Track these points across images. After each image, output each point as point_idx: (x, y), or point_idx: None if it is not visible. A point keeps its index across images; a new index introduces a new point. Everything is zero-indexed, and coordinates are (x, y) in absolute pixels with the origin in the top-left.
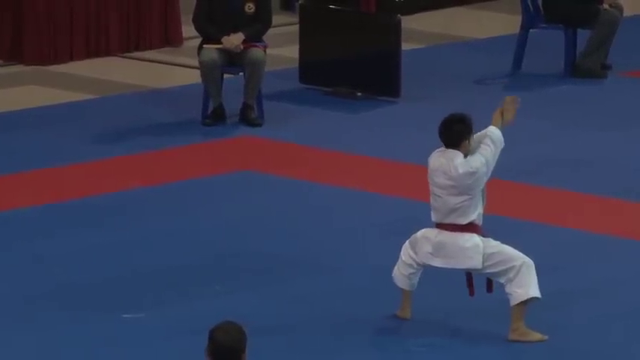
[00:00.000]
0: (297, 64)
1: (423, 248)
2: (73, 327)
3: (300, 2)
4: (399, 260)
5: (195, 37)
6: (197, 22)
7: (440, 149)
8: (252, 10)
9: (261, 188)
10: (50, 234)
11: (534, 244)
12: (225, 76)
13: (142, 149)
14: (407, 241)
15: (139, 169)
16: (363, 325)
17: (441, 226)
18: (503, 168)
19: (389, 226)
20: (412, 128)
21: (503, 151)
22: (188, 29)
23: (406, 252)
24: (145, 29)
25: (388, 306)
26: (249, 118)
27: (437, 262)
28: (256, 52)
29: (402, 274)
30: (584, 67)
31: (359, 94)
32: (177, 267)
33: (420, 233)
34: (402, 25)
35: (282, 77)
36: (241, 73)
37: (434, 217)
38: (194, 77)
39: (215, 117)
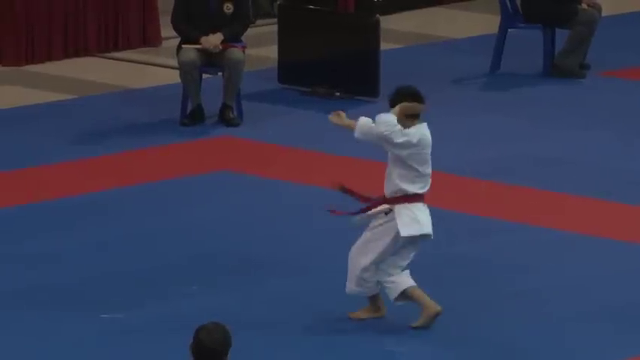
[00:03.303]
0: (275, 64)
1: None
2: (50, 327)
3: (278, 2)
4: (349, 274)
5: (174, 37)
6: (175, 23)
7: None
8: (231, 10)
9: (239, 188)
10: (27, 235)
11: (510, 243)
12: (204, 76)
13: (120, 149)
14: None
15: (117, 169)
16: (341, 324)
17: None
18: (481, 167)
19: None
20: None
21: (479, 149)
22: (167, 29)
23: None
24: (123, 29)
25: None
26: (227, 118)
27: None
28: (235, 52)
29: (359, 284)
30: (563, 67)
31: (337, 94)
32: (155, 267)
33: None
34: (381, 25)
35: (261, 77)
36: (220, 74)
37: (427, 188)
38: (173, 77)
39: (194, 117)
